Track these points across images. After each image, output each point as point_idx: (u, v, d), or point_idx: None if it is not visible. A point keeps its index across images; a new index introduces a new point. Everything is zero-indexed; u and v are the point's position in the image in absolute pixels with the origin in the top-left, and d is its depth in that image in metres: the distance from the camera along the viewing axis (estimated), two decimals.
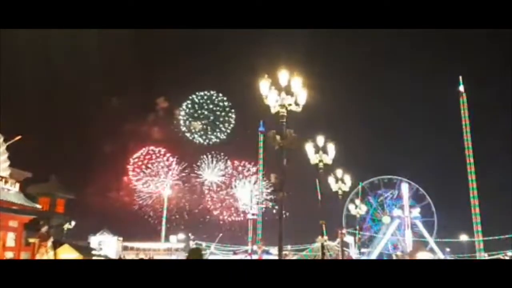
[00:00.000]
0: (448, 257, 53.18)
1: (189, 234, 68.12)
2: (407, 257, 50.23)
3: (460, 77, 71.70)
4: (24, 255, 31.63)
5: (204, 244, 70.79)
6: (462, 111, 70.75)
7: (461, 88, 71.40)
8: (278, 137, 11.42)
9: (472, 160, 68.20)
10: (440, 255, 54.98)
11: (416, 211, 67.39)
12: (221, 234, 73.81)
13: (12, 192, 30.05)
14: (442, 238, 66.31)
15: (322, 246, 20.41)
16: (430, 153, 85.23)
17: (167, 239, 67.95)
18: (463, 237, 64.47)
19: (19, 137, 32.96)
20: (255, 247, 66.84)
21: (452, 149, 78.21)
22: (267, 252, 61.55)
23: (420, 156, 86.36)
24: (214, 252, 71.51)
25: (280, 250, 12.06)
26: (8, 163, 31.85)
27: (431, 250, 57.26)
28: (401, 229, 69.29)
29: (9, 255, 28.49)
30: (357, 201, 31.36)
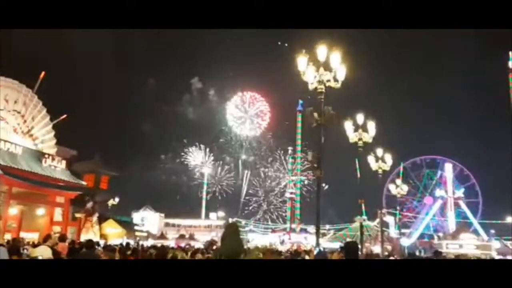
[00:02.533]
0: (493, 239, 51.55)
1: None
2: (449, 239, 49.14)
3: (510, 53, 68.18)
4: (70, 230, 33.01)
5: (243, 221, 71.75)
6: (511, 89, 67.59)
7: (511, 63, 67.97)
8: (315, 114, 11.22)
9: None
10: (484, 237, 53.40)
11: (460, 192, 65.55)
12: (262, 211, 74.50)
13: (58, 169, 31.25)
14: (487, 219, 64.44)
15: (361, 226, 20.19)
16: (476, 132, 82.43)
17: (207, 216, 69.32)
18: (509, 219, 62.32)
19: (64, 116, 34.09)
20: (293, 225, 67.23)
21: (498, 128, 75.24)
22: (305, 231, 61.77)
23: (465, 135, 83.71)
24: (253, 229, 72.42)
25: (317, 228, 12.02)
26: (54, 141, 33.07)
27: (475, 232, 55.75)
28: (443, 210, 67.78)
29: (57, 229, 29.78)
30: (398, 181, 30.68)
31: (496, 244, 47.90)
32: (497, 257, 38.67)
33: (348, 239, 48.55)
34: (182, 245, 35.85)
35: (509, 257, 40.73)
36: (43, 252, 10.70)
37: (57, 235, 17.42)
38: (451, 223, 63.30)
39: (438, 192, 66.12)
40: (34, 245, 15.53)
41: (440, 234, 58.05)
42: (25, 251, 14.83)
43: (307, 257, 13.96)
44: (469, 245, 44.97)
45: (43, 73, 31.96)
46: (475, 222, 62.56)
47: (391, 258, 20.60)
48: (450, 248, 44.46)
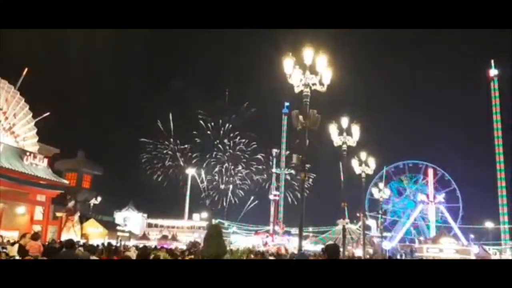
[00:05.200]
0: (472, 244, 52.33)
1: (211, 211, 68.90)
2: (429, 242, 49.68)
3: (492, 61, 69.26)
4: (51, 229, 32.55)
5: (226, 223, 71.62)
6: (492, 96, 68.55)
7: (493, 72, 68.99)
8: (301, 117, 11.26)
9: (501, 148, 66.26)
10: (464, 242, 54.18)
11: (441, 197, 66.41)
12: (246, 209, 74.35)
13: (40, 167, 30.75)
14: (466, 224, 65.39)
15: (344, 229, 20.30)
16: (458, 138, 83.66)
17: (190, 217, 68.87)
18: (489, 224, 63.30)
19: (47, 113, 33.60)
20: (276, 228, 67.29)
21: (480, 134, 76.53)
22: (288, 233, 61.92)
23: (447, 141, 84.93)
24: (236, 231, 72.28)
25: (300, 230, 12.03)
26: (36, 138, 32.58)
27: (455, 236, 56.49)
28: (424, 214, 68.60)
29: (37, 228, 29.35)
30: (381, 185, 30.93)
31: (475, 248, 48.61)
32: None
33: (330, 242, 48.73)
34: (166, 245, 35.60)
35: None
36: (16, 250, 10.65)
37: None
38: (432, 227, 64.09)
39: (420, 197, 66.89)
40: (13, 244, 15.38)
41: (421, 238, 58.67)
42: (4, 250, 14.67)
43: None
44: (449, 249, 45.52)
45: (26, 69, 31.47)
46: (455, 227, 63.40)
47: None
48: (430, 252, 44.99)
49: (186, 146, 79.66)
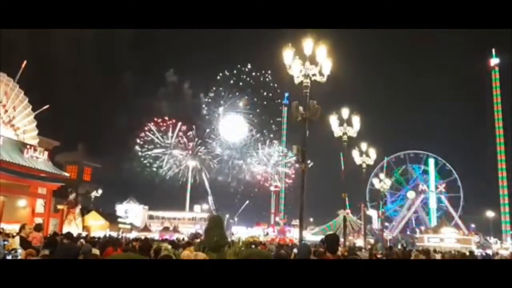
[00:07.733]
0: (473, 232, 52.55)
1: (212, 204, 68.98)
2: (430, 232, 49.86)
3: (493, 50, 69.03)
4: (52, 221, 32.64)
5: (228, 215, 71.85)
6: (493, 86, 68.41)
7: (494, 61, 68.75)
8: (301, 108, 11.24)
9: (502, 139, 66.27)
10: (465, 231, 54.38)
11: (442, 186, 66.57)
12: (247, 202, 74.42)
13: (40, 160, 30.76)
14: (467, 214, 65.59)
15: (344, 219, 20.36)
16: (458, 128, 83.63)
17: (191, 209, 69.08)
18: (489, 214, 63.52)
19: (47, 106, 33.57)
20: (277, 219, 67.55)
21: (481, 124, 76.45)
22: (289, 224, 62.14)
23: (447, 131, 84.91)
24: (237, 222, 72.56)
25: (301, 221, 12.07)
26: (36, 131, 32.58)
27: (456, 226, 56.68)
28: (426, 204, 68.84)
29: (38, 220, 29.42)
30: (382, 175, 30.93)
31: (475, 238, 48.81)
32: (476, 250, 39.36)
33: (330, 232, 48.92)
34: (167, 236, 35.70)
35: (488, 251, 41.60)
36: (18, 242, 10.67)
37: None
38: (433, 217, 64.35)
39: (421, 187, 67.05)
40: (14, 236, 15.42)
41: (422, 228, 58.91)
42: (6, 242, 14.69)
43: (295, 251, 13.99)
44: (450, 239, 45.68)
45: (24, 62, 31.38)
46: (456, 216, 63.61)
47: (374, 251, 20.85)
48: (432, 242, 45.15)
49: (182, 141, 79.01)
